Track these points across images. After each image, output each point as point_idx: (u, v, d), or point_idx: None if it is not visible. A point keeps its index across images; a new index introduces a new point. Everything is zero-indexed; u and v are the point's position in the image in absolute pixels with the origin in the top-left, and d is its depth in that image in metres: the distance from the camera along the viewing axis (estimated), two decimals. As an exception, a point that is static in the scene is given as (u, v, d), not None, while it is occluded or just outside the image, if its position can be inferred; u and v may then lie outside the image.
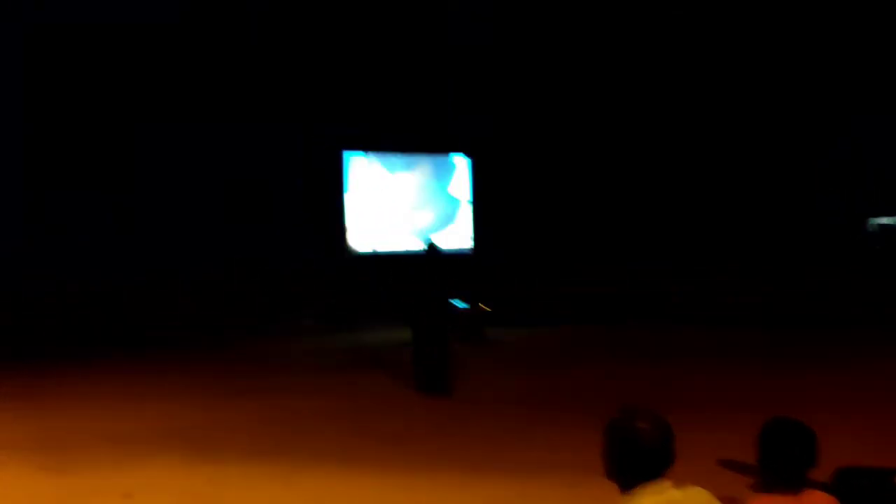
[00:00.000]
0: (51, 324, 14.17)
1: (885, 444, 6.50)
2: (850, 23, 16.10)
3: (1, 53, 14.80)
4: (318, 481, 6.17)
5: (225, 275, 15.61)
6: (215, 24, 15.71)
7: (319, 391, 9.42)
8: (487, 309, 13.31)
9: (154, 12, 14.97)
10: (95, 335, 13.53)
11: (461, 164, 15.17)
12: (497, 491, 5.95)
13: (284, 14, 16.15)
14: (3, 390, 9.32)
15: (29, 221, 15.26)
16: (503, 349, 12.52)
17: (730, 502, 2.79)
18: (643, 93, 16.79)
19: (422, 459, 6.70)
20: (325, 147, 15.54)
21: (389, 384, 9.76)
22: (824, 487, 2.96)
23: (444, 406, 8.67)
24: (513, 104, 16.58)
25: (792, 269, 16.08)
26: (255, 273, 15.85)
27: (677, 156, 16.77)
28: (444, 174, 15.16)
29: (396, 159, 14.71)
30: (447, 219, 15.19)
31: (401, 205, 14.90)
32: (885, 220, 16.56)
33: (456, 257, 13.54)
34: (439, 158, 15.07)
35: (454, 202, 15.26)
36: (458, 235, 14.90)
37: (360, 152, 14.69)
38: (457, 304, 12.30)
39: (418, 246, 14.34)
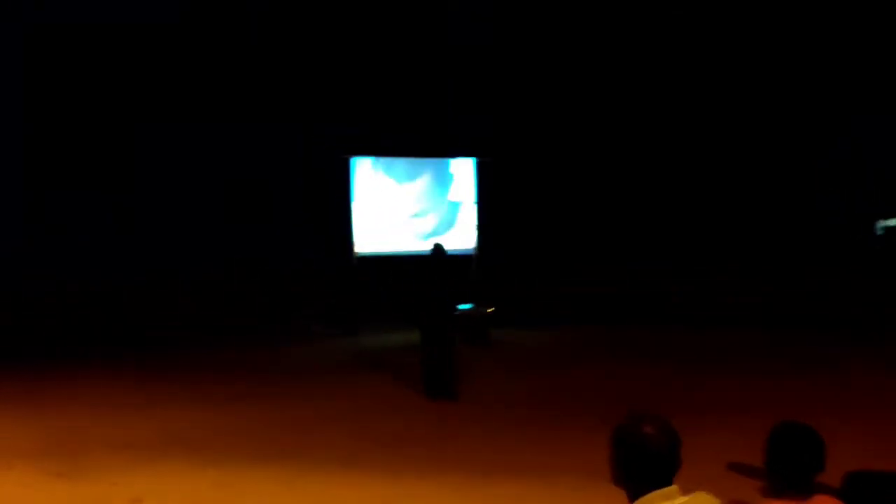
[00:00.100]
0: (51, 324, 14.16)
1: (891, 447, 6.51)
2: (850, 23, 16.10)
3: (1, 53, 14.77)
4: (322, 485, 6.17)
5: (225, 275, 15.59)
6: (215, 24, 15.68)
7: (324, 395, 9.43)
8: (491, 310, 13.25)
9: (154, 12, 14.94)
10: (96, 335, 13.51)
11: (464, 168, 15.19)
12: (502, 494, 5.95)
13: (284, 14, 16.13)
14: (5, 394, 9.28)
15: (29, 221, 15.24)
16: (507, 350, 12.50)
17: (738, 508, 2.80)
18: (643, 93, 16.79)
19: (426, 462, 6.71)
20: (325, 147, 15.51)
21: (394, 387, 9.76)
22: (834, 492, 2.96)
23: (449, 409, 8.66)
24: (513, 104, 16.57)
25: (792, 269, 16.09)
26: (255, 273, 15.84)
27: (677, 156, 16.77)
28: (445, 181, 15.22)
29: (401, 169, 14.74)
30: (448, 224, 15.23)
31: (404, 212, 14.94)
32: (892, 223, 16.59)
33: (460, 259, 13.52)
34: (441, 167, 15.13)
35: (454, 206, 15.31)
36: (461, 237, 14.87)
37: (367, 156, 14.69)
38: (461, 306, 12.26)
39: (421, 248, 14.11)
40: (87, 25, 14.83)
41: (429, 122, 16.31)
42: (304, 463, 6.65)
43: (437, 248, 9.54)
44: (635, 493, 2.32)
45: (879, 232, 16.72)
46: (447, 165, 15.29)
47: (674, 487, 2.31)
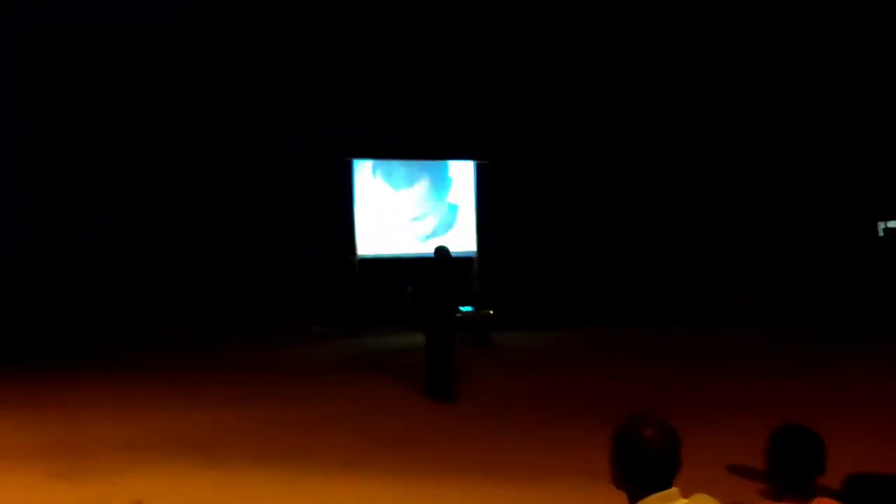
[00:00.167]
0: (51, 324, 14.16)
1: (892, 448, 6.50)
2: (850, 23, 16.10)
3: (1, 53, 14.77)
4: (323, 486, 6.17)
5: (225, 275, 15.58)
6: (215, 24, 15.68)
7: (324, 395, 9.41)
8: (491, 312, 13.26)
9: (154, 12, 14.94)
10: (96, 335, 13.51)
11: (462, 171, 15.21)
12: (502, 494, 5.95)
13: (284, 14, 16.13)
14: (5, 396, 9.25)
15: (29, 221, 15.24)
16: (507, 352, 12.51)
17: (739, 510, 2.80)
18: (643, 93, 16.79)
19: (426, 463, 6.71)
20: (324, 147, 15.51)
21: (395, 388, 9.75)
22: (835, 495, 2.96)
23: (449, 410, 8.65)
24: (512, 105, 16.56)
25: (792, 269, 16.10)
26: (255, 273, 15.83)
27: (677, 156, 16.77)
28: (444, 184, 15.25)
29: (400, 175, 14.77)
30: (447, 226, 15.26)
31: (404, 215, 14.99)
32: (893, 224, 16.60)
33: (461, 261, 13.55)
34: (439, 170, 15.16)
35: (453, 209, 15.33)
36: (461, 239, 14.89)
37: (368, 159, 14.72)
38: (463, 308, 12.25)
39: (421, 250, 14.20)
40: (87, 25, 14.83)
41: (429, 122, 16.31)
42: (305, 463, 6.63)
43: (442, 250, 9.46)
44: (635, 495, 2.32)
45: (881, 233, 16.73)
46: (446, 169, 15.32)
47: (674, 490, 2.31)
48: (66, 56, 15.09)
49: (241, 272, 15.78)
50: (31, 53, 15.08)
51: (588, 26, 16.66)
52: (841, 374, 10.01)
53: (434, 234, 14.90)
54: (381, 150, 15.04)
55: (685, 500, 2.31)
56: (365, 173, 14.68)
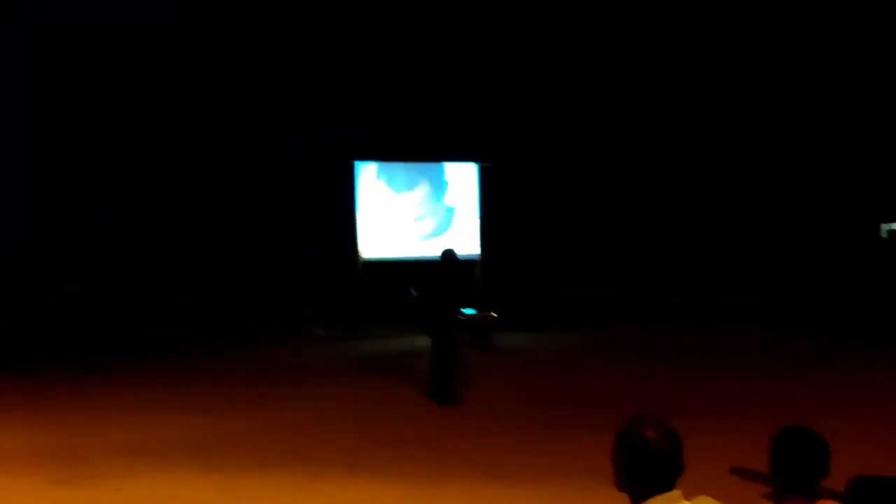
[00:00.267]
0: (51, 324, 14.16)
1: (894, 448, 6.50)
2: (850, 23, 16.11)
3: (1, 53, 14.76)
4: (326, 489, 6.16)
5: (225, 275, 15.58)
6: (215, 24, 15.68)
7: (326, 398, 9.39)
8: (495, 315, 13.21)
9: (154, 12, 14.94)
10: (96, 336, 13.49)
11: (460, 173, 15.19)
12: (505, 496, 5.94)
13: (285, 14, 16.12)
14: (5, 401, 9.21)
15: (29, 221, 15.24)
16: (509, 354, 12.47)
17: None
18: (643, 93, 16.78)
19: (430, 466, 6.70)
20: (324, 147, 15.52)
21: (397, 391, 9.72)
22: (839, 497, 2.95)
23: (453, 413, 8.65)
24: (512, 105, 16.56)
25: (792, 269, 16.10)
26: (255, 273, 15.83)
27: (677, 156, 16.77)
28: (441, 187, 15.25)
29: (400, 179, 14.76)
30: (444, 228, 15.26)
31: (406, 217, 14.98)
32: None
33: (465, 263, 13.54)
34: (436, 173, 15.14)
35: (450, 211, 15.34)
36: (459, 240, 14.85)
37: (370, 161, 14.74)
38: (466, 311, 12.17)
39: (423, 252, 14.22)
40: (87, 25, 14.83)
41: (429, 123, 16.30)
42: (308, 467, 6.62)
43: (449, 253, 9.34)
44: (638, 498, 2.31)
45: (884, 235, 16.72)
46: (442, 172, 15.28)
47: (676, 492, 2.30)
48: (66, 56, 15.09)
49: (241, 272, 15.77)
50: (31, 53, 15.07)
51: (588, 27, 16.66)
52: (841, 374, 10.02)
53: (432, 235, 14.88)
54: (382, 151, 15.02)
55: (687, 503, 2.31)
56: (367, 175, 14.67)
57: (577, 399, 9.14)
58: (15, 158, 15.06)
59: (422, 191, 14.98)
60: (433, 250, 13.14)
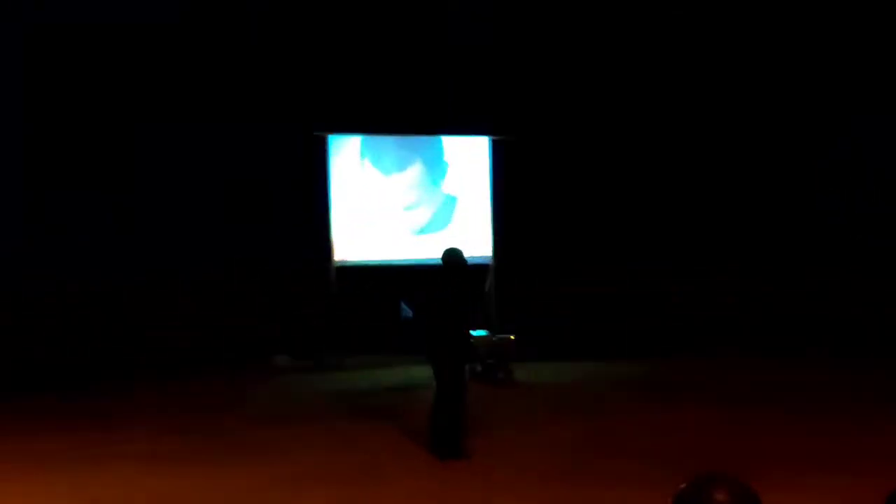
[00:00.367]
0: (51, 324, 14.17)
1: None
2: (850, 23, 16.09)
3: (1, 53, 14.76)
4: None
5: (225, 275, 15.58)
6: (215, 24, 15.67)
7: (287, 454, 7.82)
8: (513, 338, 11.02)
9: (154, 12, 14.93)
10: (96, 337, 13.47)
11: (461, 158, 14.02)
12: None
13: (284, 14, 16.11)
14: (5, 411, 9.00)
15: (29, 221, 15.23)
16: (527, 389, 10.77)
17: None
18: (643, 93, 16.77)
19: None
20: (324, 147, 15.47)
21: (387, 441, 8.23)
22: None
23: (456, 466, 7.30)
24: (512, 105, 16.52)
25: (792, 269, 16.09)
26: (255, 273, 15.83)
27: (677, 156, 16.74)
28: (439, 168, 13.59)
29: (390, 158, 13.60)
30: (442, 220, 13.54)
31: (390, 207, 13.35)
32: None
33: (476, 269, 10.96)
34: (435, 151, 13.72)
35: (450, 200, 13.55)
36: (465, 240, 11.99)
37: (347, 134, 12.99)
38: (477, 333, 9.99)
39: (419, 256, 12.34)
40: (87, 25, 14.82)
41: (430, 124, 16.26)
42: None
43: (453, 254, 7.66)
44: None
45: None
46: (441, 151, 13.91)
47: None
48: (67, 56, 15.08)
49: (241, 272, 15.77)
50: (31, 53, 15.07)
51: (588, 27, 16.64)
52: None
53: (427, 229, 13.51)
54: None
55: None
56: (348, 152, 13.78)
57: (612, 449, 7.66)
58: (15, 158, 15.05)
59: (414, 172, 13.29)
60: (429, 251, 11.70)
